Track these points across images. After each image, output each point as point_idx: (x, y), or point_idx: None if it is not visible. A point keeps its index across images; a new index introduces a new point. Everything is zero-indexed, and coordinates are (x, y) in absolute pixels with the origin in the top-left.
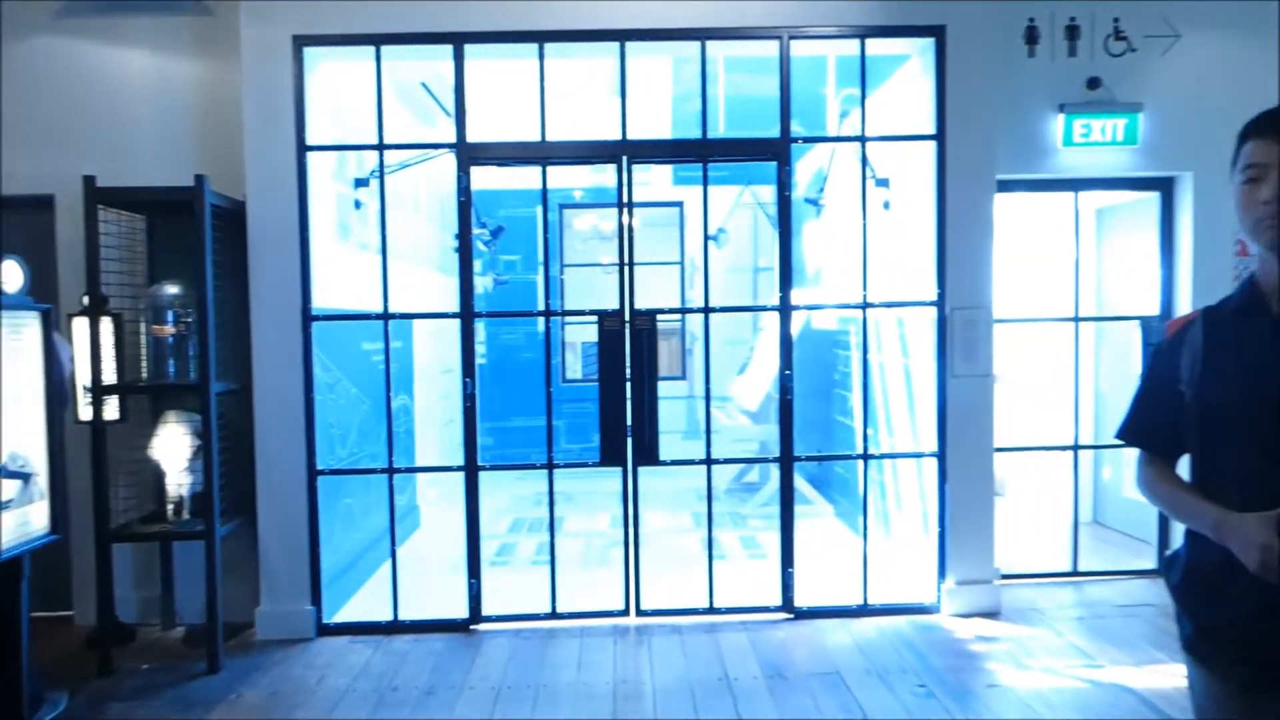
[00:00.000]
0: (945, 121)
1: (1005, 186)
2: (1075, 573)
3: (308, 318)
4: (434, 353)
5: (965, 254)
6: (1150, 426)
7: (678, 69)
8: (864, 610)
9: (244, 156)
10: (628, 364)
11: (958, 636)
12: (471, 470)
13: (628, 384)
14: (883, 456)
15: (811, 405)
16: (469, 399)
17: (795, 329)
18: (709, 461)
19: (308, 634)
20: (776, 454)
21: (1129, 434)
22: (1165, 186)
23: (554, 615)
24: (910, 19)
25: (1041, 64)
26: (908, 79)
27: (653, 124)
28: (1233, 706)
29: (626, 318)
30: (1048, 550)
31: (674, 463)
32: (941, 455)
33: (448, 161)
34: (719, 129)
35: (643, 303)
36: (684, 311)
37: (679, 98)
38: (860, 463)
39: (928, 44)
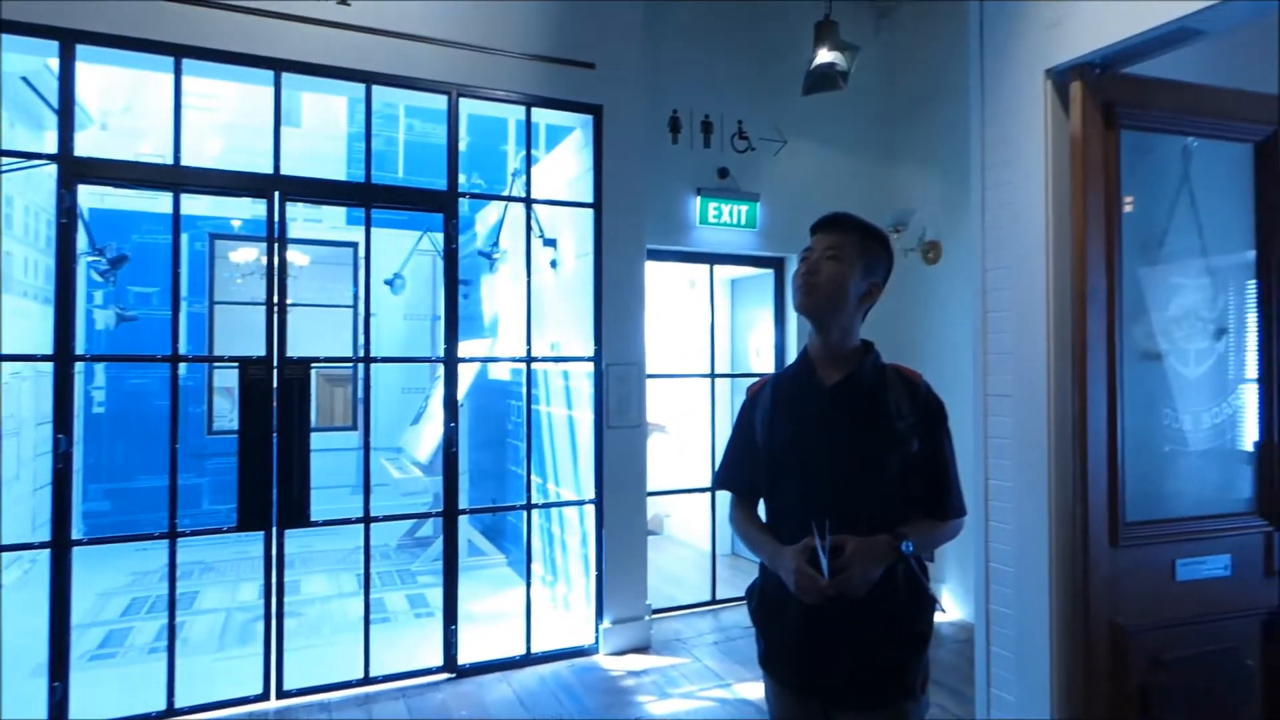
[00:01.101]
0: (602, 192)
1: (655, 255)
2: (714, 601)
3: None
4: (35, 402)
5: (619, 314)
6: (736, 474)
7: (354, 108)
8: (527, 660)
9: None
10: (274, 415)
11: (612, 674)
12: (61, 546)
13: (274, 437)
14: (544, 506)
15: (488, 455)
16: (61, 459)
17: (469, 380)
18: (366, 520)
19: None
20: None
21: (721, 480)
22: (777, 265)
23: (171, 713)
24: (573, 95)
25: (683, 150)
26: (575, 147)
27: (325, 161)
28: (792, 712)
29: (275, 364)
30: (693, 582)
31: (327, 523)
32: (599, 502)
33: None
34: (399, 172)
35: (303, 348)
36: (340, 361)
37: (354, 135)
38: (525, 513)
39: (589, 119)
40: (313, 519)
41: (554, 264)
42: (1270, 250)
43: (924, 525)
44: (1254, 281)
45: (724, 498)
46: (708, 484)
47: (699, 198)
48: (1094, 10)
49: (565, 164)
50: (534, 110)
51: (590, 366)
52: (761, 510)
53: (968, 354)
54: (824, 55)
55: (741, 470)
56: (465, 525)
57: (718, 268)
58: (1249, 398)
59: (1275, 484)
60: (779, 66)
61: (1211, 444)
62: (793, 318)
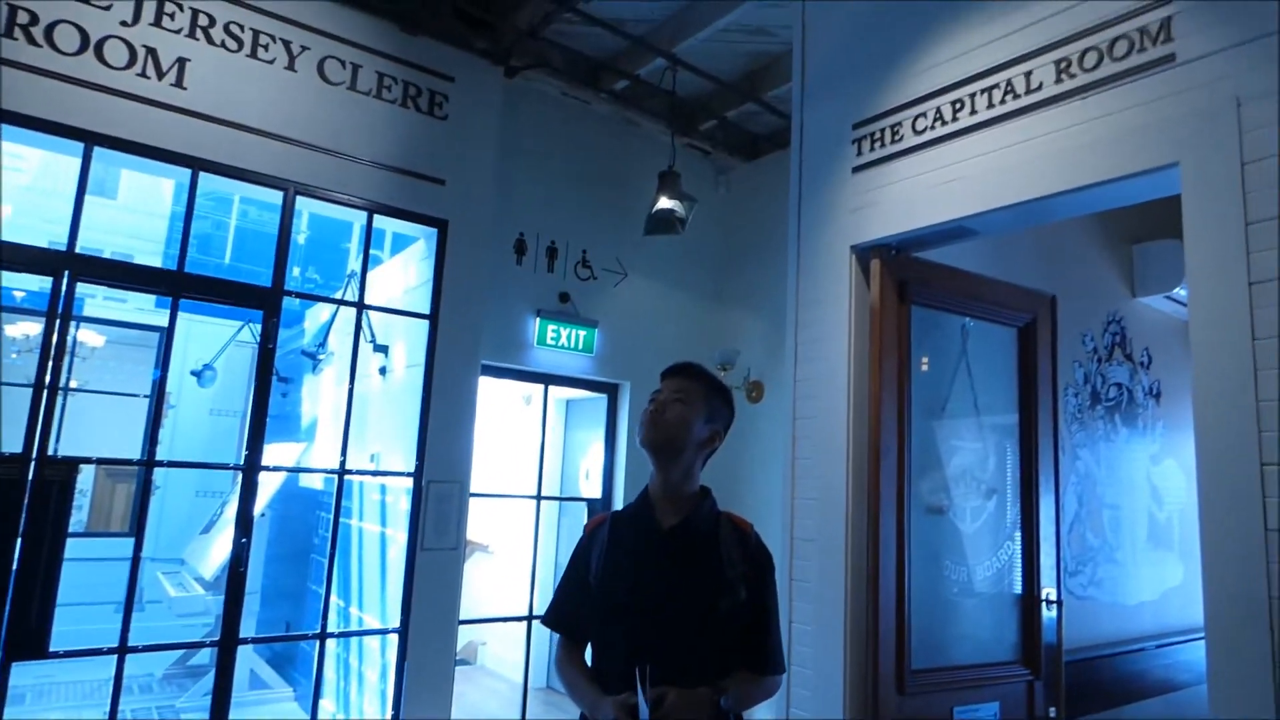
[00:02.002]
0: (439, 304)
1: (491, 371)
2: None
3: None
4: None
5: (447, 429)
6: (566, 615)
7: (181, 189)
8: None
9: None
10: (23, 522)
11: None
12: None
13: (18, 547)
14: (341, 635)
15: (289, 571)
16: None
17: (276, 487)
18: (122, 650)
19: None
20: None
21: (550, 619)
22: (612, 390)
23: None
24: (420, 207)
25: (526, 272)
26: (418, 257)
27: (142, 238)
28: None
29: (33, 460)
30: (504, 716)
31: (70, 654)
32: (404, 631)
33: None
34: (225, 258)
35: (85, 438)
36: (116, 463)
37: (179, 215)
38: (318, 642)
39: (434, 232)
40: (52, 648)
41: (384, 371)
42: (1029, 420)
43: (744, 679)
44: (1016, 446)
45: (542, 627)
46: (525, 612)
47: (538, 319)
48: (890, 203)
49: (406, 272)
50: (382, 216)
51: (410, 482)
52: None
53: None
54: (665, 201)
55: (571, 610)
56: (248, 653)
57: (553, 388)
58: (1016, 552)
59: (1035, 635)
60: (626, 205)
61: (985, 594)
62: (624, 443)
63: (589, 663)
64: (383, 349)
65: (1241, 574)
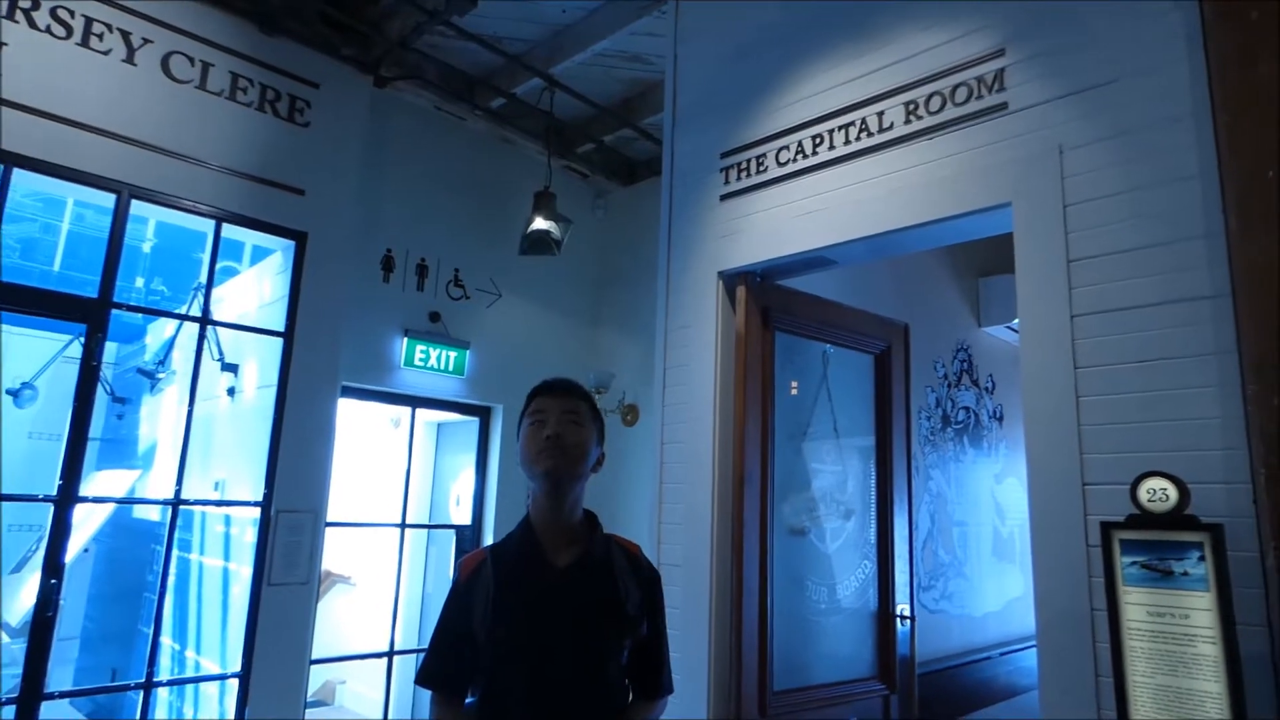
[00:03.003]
0: (296, 321)
1: (353, 393)
2: None
3: None
4: None
5: (300, 455)
6: (446, 671)
7: None
8: None
9: None
10: None
11: None
12: None
13: None
14: (172, 683)
15: (117, 612)
16: None
17: (103, 519)
18: None
19: None
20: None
21: (426, 679)
22: (484, 413)
23: None
24: (276, 218)
25: (394, 290)
26: (274, 271)
27: None
28: None
29: None
30: None
31: None
32: (245, 675)
33: None
34: (55, 266)
35: None
36: None
37: None
38: (143, 691)
39: (290, 244)
40: None
41: (232, 392)
42: (885, 442)
43: (643, 707)
44: (873, 467)
45: (403, 663)
46: (387, 646)
47: (406, 339)
48: (755, 231)
49: (261, 286)
50: (234, 226)
51: (257, 512)
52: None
53: None
54: (541, 222)
55: (450, 664)
56: (64, 708)
57: (422, 411)
58: (872, 570)
59: (890, 650)
60: (501, 224)
61: (844, 612)
62: (495, 468)
63: (476, 711)
64: (232, 368)
65: (1066, 587)
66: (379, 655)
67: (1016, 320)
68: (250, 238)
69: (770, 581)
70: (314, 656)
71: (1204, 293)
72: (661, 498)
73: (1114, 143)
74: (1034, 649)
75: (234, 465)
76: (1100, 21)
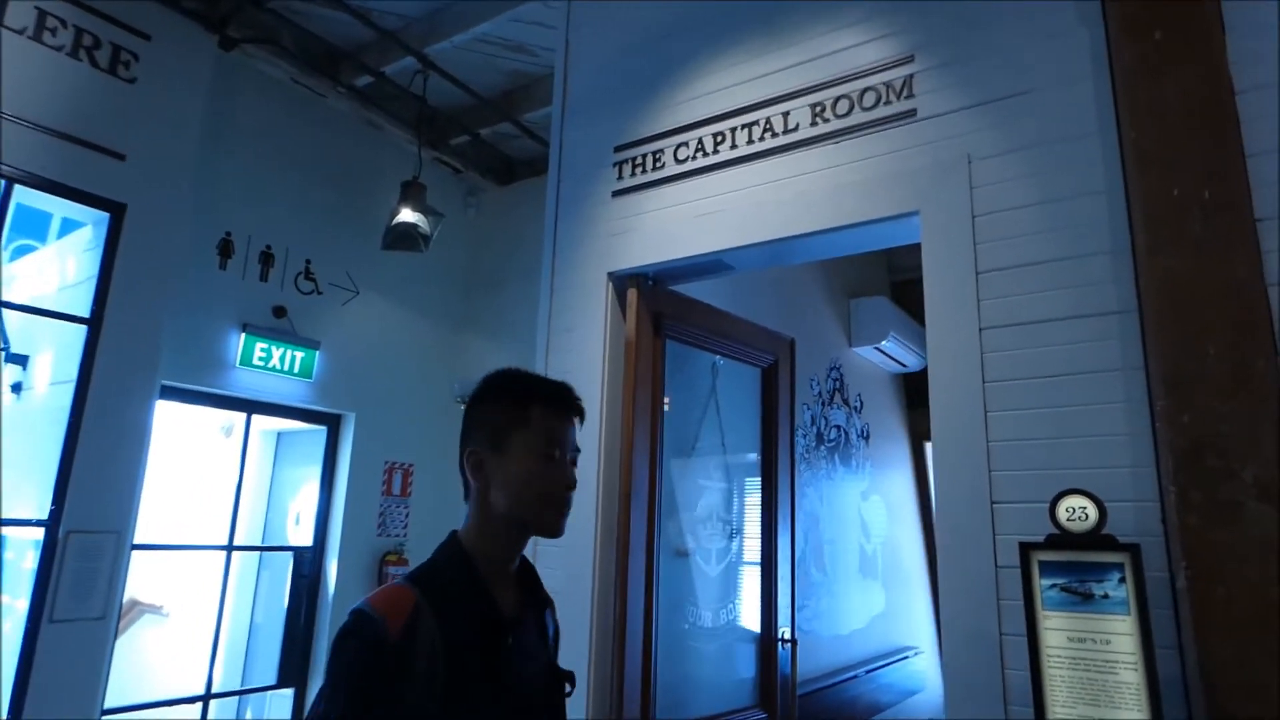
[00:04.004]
0: (105, 307)
1: (176, 395)
2: None
3: None
4: None
5: (104, 464)
6: None
7: None
8: None
9: None
10: None
11: None
12: None
13: None
14: None
15: None
16: None
17: None
18: None
19: None
20: None
21: None
22: (333, 421)
23: None
24: (87, 184)
25: (233, 278)
26: (80, 248)
27: None
28: None
29: None
30: None
31: None
32: None
33: None
34: None
35: None
36: None
37: None
38: None
39: (105, 216)
40: None
41: (18, 389)
42: (770, 459)
43: None
44: (758, 485)
45: (228, 707)
46: (203, 688)
47: (244, 334)
48: (649, 231)
49: (65, 264)
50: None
51: (41, 532)
52: None
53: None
54: (408, 214)
55: None
56: None
57: (260, 417)
58: (756, 593)
59: (772, 675)
60: (362, 214)
61: (727, 638)
62: (343, 483)
63: None
64: (19, 359)
65: (974, 609)
66: (193, 700)
67: (885, 341)
68: (58, 208)
69: (655, 608)
70: (108, 705)
71: (1111, 308)
72: None
73: (1023, 155)
74: (897, 664)
75: (13, 476)
76: (1009, 34)
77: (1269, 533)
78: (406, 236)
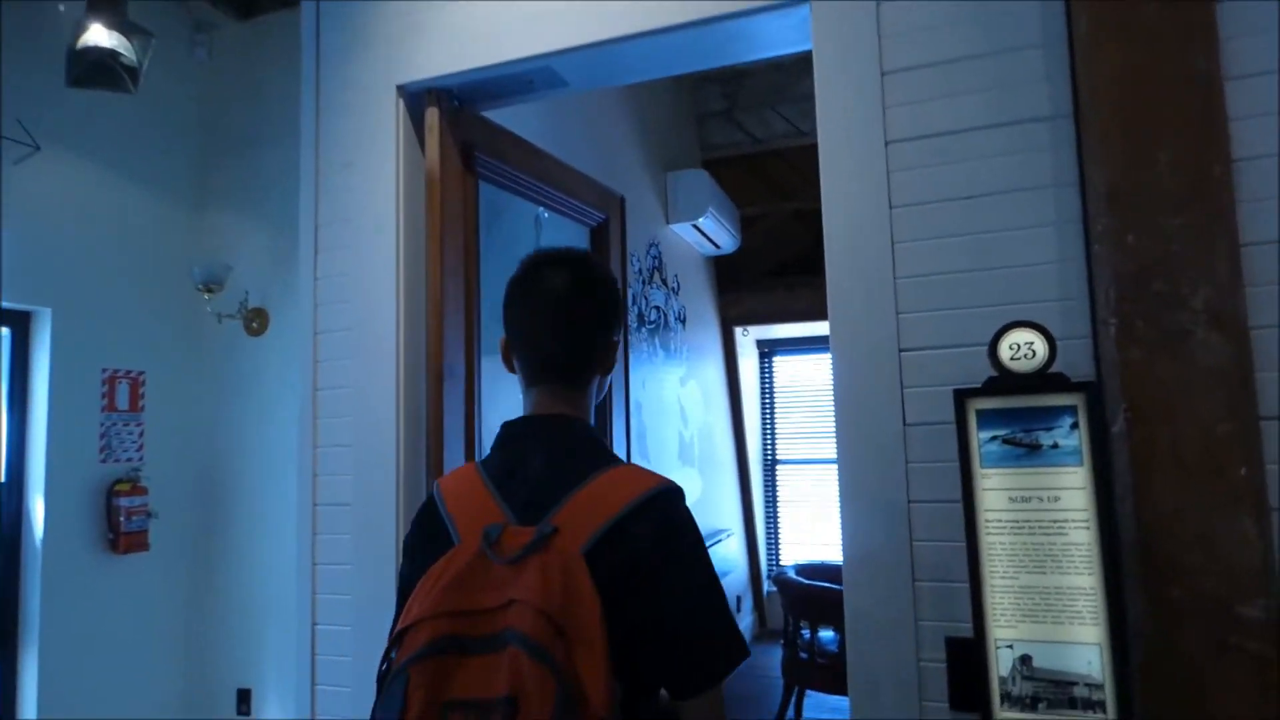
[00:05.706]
0: None
1: None
2: None
3: None
4: None
5: None
6: None
7: None
8: None
9: None
10: None
11: None
12: None
13: None
14: None
15: None
16: None
17: None
18: None
19: None
20: None
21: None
22: (20, 321)
23: None
24: None
25: None
26: None
27: None
28: None
29: None
30: None
31: None
32: None
33: None
34: None
35: None
36: None
37: None
38: None
39: None
40: None
41: None
42: None
43: None
44: None
45: None
46: None
47: None
48: (453, 28)
49: None
50: None
51: None
52: None
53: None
54: (100, 34)
55: None
56: None
57: None
58: None
59: None
60: (29, 31)
61: None
62: (44, 400)
63: None
64: None
65: (876, 478)
66: None
67: (703, 219)
68: None
69: None
70: None
71: (1043, 112)
72: (317, 410)
73: None
74: (712, 548)
75: None
76: None
77: (1220, 363)
78: (102, 68)
